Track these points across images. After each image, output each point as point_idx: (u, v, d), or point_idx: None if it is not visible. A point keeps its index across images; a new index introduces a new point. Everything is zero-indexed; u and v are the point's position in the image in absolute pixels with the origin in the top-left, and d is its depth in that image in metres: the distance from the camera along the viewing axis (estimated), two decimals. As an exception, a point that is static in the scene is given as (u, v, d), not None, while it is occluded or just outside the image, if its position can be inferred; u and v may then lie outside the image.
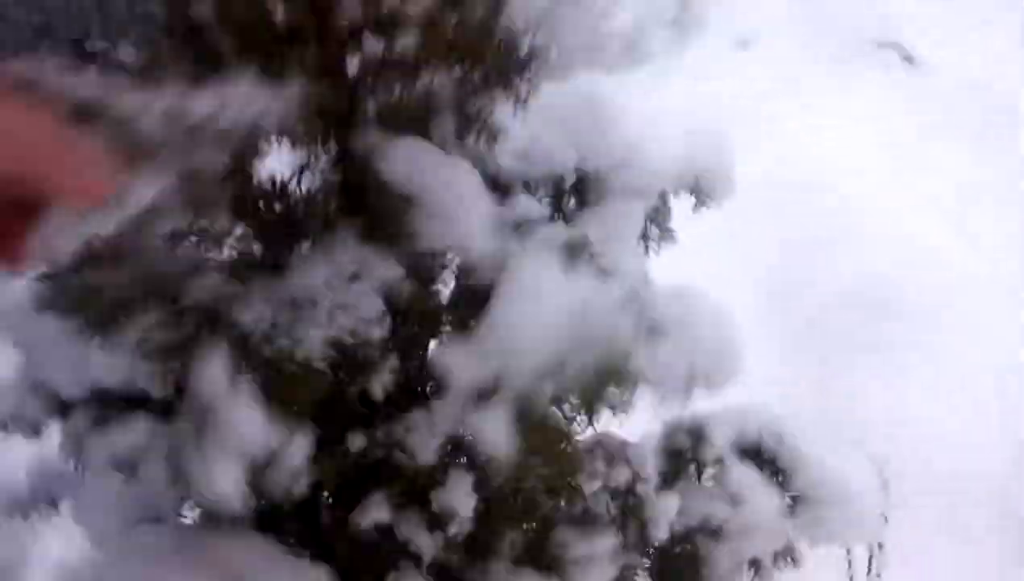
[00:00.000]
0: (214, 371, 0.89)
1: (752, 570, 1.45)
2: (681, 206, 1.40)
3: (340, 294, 0.95)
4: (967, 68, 4.40)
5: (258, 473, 0.89)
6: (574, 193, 1.22)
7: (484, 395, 0.98)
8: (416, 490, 1.16)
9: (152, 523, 1.33)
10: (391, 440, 1.16)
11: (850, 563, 2.65)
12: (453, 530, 1.11)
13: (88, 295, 0.89)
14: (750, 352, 3.06)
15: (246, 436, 0.87)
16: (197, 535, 1.25)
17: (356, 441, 1.18)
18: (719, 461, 1.44)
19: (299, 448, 0.94)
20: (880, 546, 2.62)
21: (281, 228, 1.03)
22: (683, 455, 1.42)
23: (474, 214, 0.96)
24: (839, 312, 3.43)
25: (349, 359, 0.95)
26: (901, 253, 3.59)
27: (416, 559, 1.21)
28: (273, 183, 1.04)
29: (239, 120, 0.77)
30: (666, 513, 1.37)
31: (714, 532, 1.37)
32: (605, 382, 0.95)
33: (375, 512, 1.15)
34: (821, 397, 3.04)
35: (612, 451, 1.30)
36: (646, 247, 1.33)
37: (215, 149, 0.76)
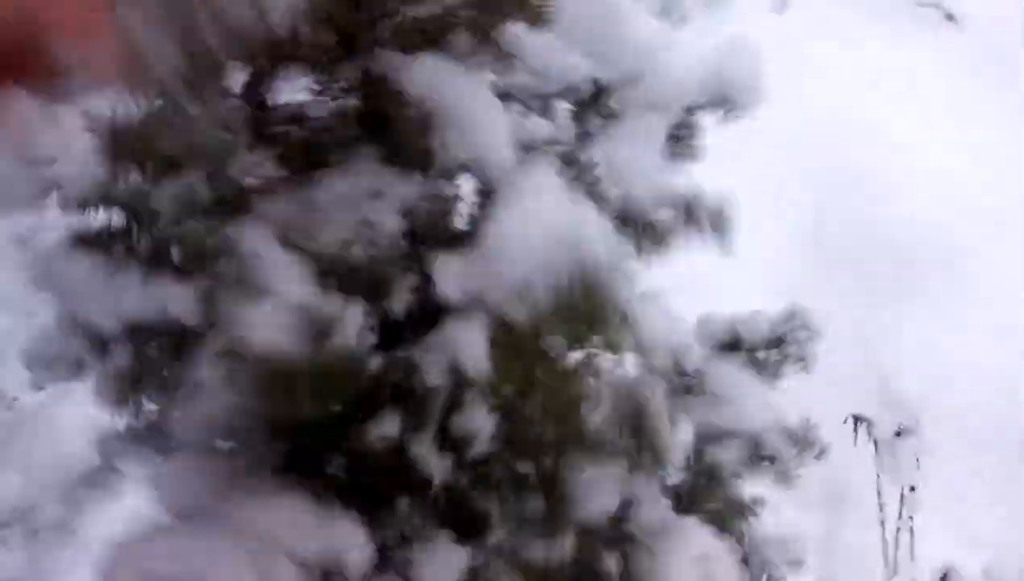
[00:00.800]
0: (255, 235, 0.93)
1: (769, 463, 1.44)
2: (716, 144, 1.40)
3: (361, 210, 0.98)
4: (1007, 23, 4.30)
5: (306, 324, 0.92)
6: (592, 107, 1.22)
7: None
8: (429, 412, 1.20)
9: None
10: (407, 362, 1.19)
11: (881, 506, 2.65)
12: (474, 451, 1.14)
13: (144, 148, 0.93)
14: (782, 285, 3.06)
15: (291, 286, 0.90)
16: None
17: (374, 362, 1.22)
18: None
19: (345, 311, 0.97)
20: (912, 488, 2.62)
21: (300, 152, 1.07)
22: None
23: (492, 129, 0.98)
24: (881, 253, 3.40)
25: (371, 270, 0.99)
26: (936, 195, 3.54)
27: (425, 483, 1.24)
28: (290, 108, 1.07)
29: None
30: (681, 442, 1.35)
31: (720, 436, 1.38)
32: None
33: (387, 428, 1.18)
34: (854, 334, 3.02)
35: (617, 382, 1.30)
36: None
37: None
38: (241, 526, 1.21)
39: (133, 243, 1.45)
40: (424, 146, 1.08)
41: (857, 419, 2.67)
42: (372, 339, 1.24)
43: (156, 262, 1.47)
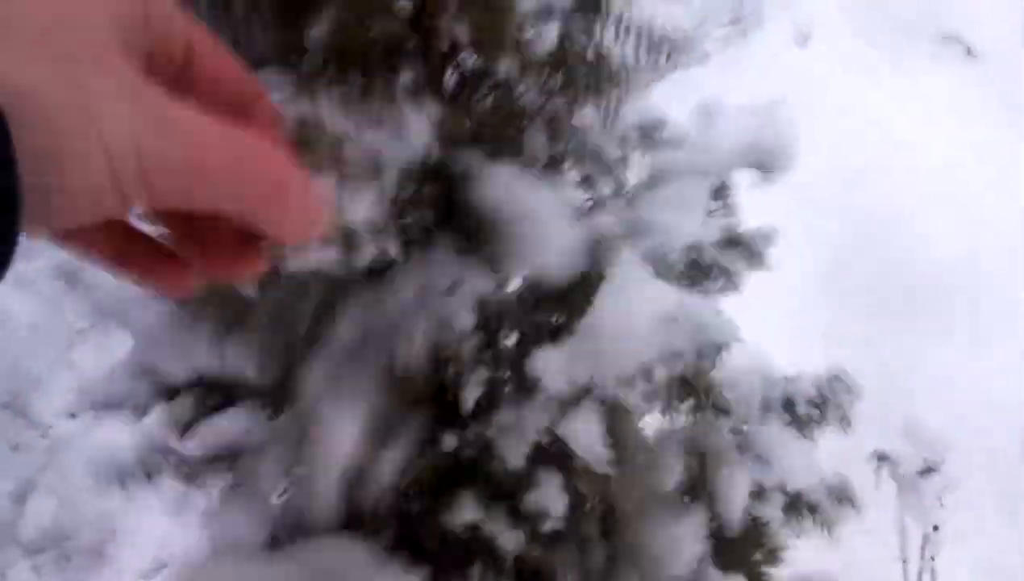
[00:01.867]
0: (317, 376, 0.96)
1: (809, 512, 1.48)
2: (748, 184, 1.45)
3: (437, 306, 1.02)
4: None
5: (352, 481, 0.96)
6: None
7: (574, 399, 1.03)
8: (505, 491, 1.23)
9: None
10: (481, 441, 1.21)
11: (903, 547, 2.68)
12: (545, 527, 1.16)
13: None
14: (809, 322, 3.09)
15: (342, 447, 0.94)
16: (291, 536, 1.33)
17: (449, 441, 1.25)
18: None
19: (390, 462, 1.01)
20: (935, 528, 2.64)
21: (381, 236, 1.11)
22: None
23: (559, 239, 1.03)
24: (905, 288, 3.44)
25: (443, 367, 1.01)
26: (958, 228, 3.58)
27: (499, 556, 1.26)
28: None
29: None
30: (738, 494, 1.39)
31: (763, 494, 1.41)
32: (691, 390, 1.00)
33: (466, 511, 1.21)
34: (881, 370, 3.06)
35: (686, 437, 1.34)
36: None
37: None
38: (306, 559, 1.24)
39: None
40: (495, 248, 1.11)
41: (880, 457, 2.69)
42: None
43: (228, 324, 1.52)
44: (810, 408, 1.45)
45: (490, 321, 1.09)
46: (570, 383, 1.01)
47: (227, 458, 1.39)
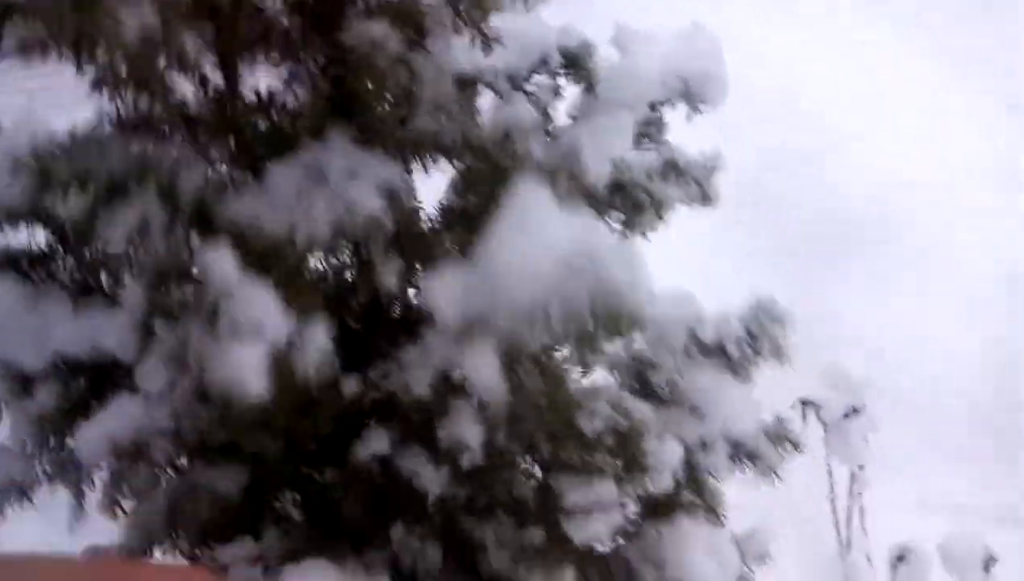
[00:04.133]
0: (222, 262, 0.82)
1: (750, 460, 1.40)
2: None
3: (338, 189, 0.89)
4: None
5: (280, 358, 0.82)
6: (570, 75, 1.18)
7: (471, 331, 0.92)
8: (417, 425, 1.11)
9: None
10: (385, 380, 1.10)
11: (832, 486, 2.68)
12: (465, 461, 1.06)
13: (86, 175, 0.81)
14: (731, 266, 3.04)
15: (263, 319, 0.81)
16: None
17: (350, 385, 1.13)
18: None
19: (318, 333, 0.87)
20: (861, 467, 2.65)
21: (267, 143, 0.97)
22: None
23: (468, 111, 0.93)
24: (820, 227, 3.44)
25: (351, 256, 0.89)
26: (879, 169, 3.61)
27: (421, 501, 1.15)
28: (259, 97, 0.97)
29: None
30: (669, 462, 1.29)
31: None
32: (599, 329, 0.89)
33: (375, 444, 1.09)
34: (801, 312, 3.03)
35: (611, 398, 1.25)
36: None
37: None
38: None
39: (59, 268, 1.31)
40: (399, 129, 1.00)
41: (805, 403, 2.68)
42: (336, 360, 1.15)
43: (85, 289, 1.33)
44: (742, 347, 1.36)
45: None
46: (465, 313, 0.90)
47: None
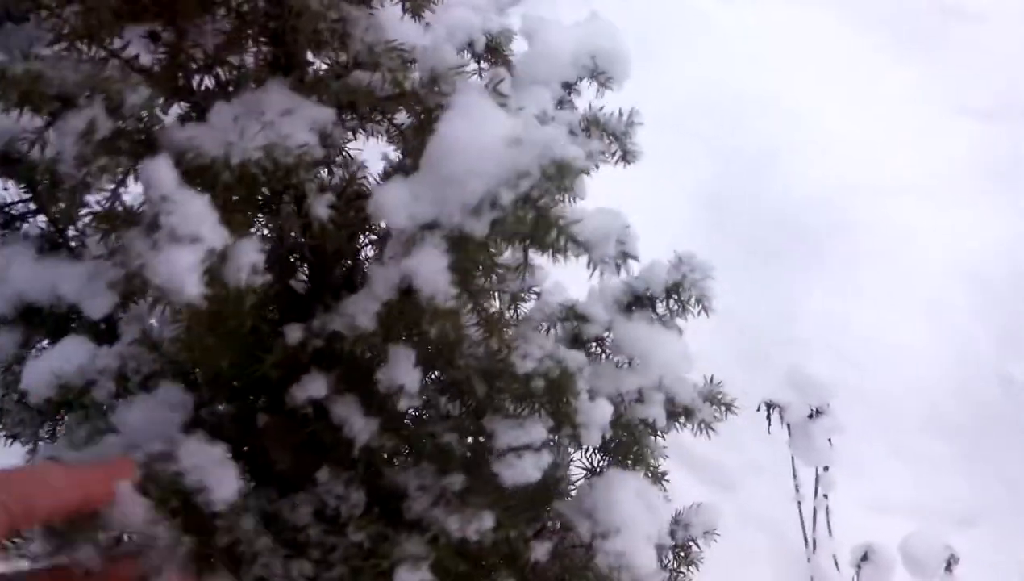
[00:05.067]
0: (161, 171, 0.88)
1: (684, 418, 1.45)
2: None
3: (273, 123, 0.95)
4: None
5: (214, 264, 0.87)
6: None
7: (420, 236, 0.97)
8: (357, 372, 1.16)
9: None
10: (328, 328, 1.15)
11: (797, 487, 2.70)
12: (400, 406, 1.10)
13: (34, 82, 0.87)
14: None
15: (200, 229, 0.86)
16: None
17: (293, 334, 1.17)
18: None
19: (251, 248, 0.93)
20: (826, 468, 2.68)
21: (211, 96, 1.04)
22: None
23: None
24: (780, 228, 3.47)
25: (282, 172, 0.95)
26: (840, 166, 3.64)
27: (348, 448, 1.19)
28: (205, 54, 1.04)
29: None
30: (598, 420, 1.33)
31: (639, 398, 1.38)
32: (543, 219, 0.95)
33: (312, 388, 1.13)
34: (764, 313, 3.08)
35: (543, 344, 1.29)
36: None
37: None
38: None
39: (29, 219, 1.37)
40: (334, 82, 1.07)
41: (769, 405, 2.71)
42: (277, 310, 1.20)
43: (52, 243, 1.39)
44: (669, 297, 1.42)
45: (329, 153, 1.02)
46: (414, 218, 0.96)
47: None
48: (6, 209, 1.34)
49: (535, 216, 0.95)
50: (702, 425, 1.45)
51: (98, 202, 1.05)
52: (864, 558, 2.38)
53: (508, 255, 1.12)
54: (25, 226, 1.38)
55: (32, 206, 1.37)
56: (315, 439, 1.18)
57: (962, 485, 2.81)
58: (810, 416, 2.69)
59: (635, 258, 1.16)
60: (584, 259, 1.08)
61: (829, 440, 2.70)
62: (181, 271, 0.87)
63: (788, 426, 2.71)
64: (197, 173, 0.94)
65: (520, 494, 1.23)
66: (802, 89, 3.92)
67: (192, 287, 0.87)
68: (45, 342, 1.34)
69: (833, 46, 4.19)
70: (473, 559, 1.17)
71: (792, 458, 2.67)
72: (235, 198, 0.97)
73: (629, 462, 1.41)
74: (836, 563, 2.68)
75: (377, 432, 1.14)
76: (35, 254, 1.31)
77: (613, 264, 1.12)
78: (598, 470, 1.43)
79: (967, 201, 3.57)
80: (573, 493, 1.37)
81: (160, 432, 1.13)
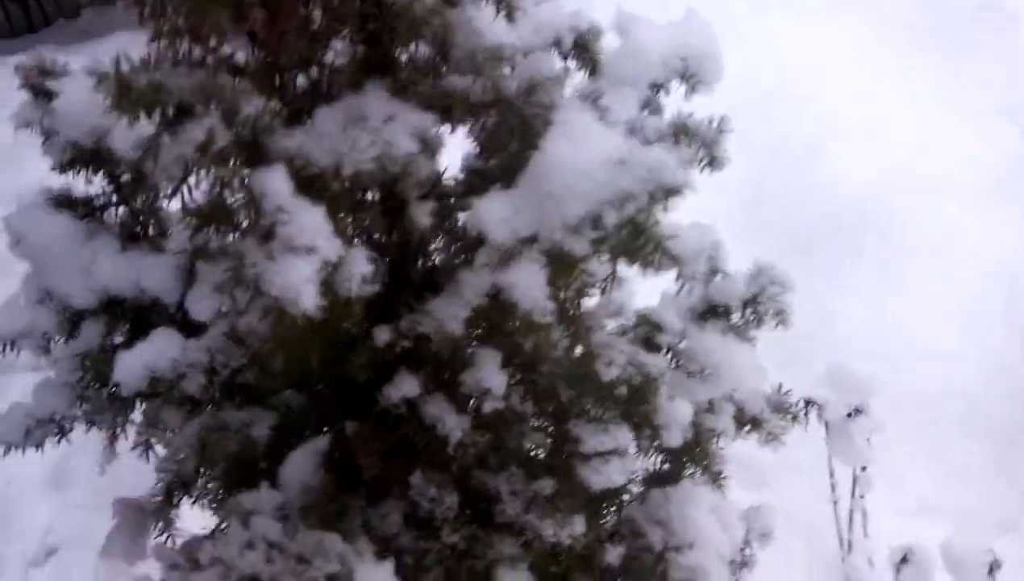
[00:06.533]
0: (276, 181, 0.89)
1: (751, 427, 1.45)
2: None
3: (377, 130, 0.96)
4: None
5: (329, 274, 0.89)
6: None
7: (517, 250, 0.98)
8: (444, 373, 1.18)
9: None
10: (416, 330, 1.16)
11: (833, 487, 2.70)
12: (487, 407, 1.12)
13: (156, 92, 0.88)
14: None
15: (315, 236, 0.87)
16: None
17: (382, 335, 1.19)
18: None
19: (361, 258, 0.94)
20: (863, 469, 2.67)
21: (309, 96, 1.05)
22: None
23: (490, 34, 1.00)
24: (819, 226, 3.42)
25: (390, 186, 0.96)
26: (878, 165, 3.60)
27: (441, 449, 1.21)
28: (300, 55, 1.05)
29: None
30: (679, 420, 1.34)
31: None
32: (640, 233, 0.95)
33: (405, 387, 1.15)
34: (802, 312, 3.02)
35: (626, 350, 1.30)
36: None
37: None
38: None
39: (111, 211, 1.39)
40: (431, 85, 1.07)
41: (807, 402, 2.71)
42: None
43: (132, 234, 1.41)
44: (745, 308, 1.42)
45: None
46: (514, 233, 0.97)
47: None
48: (91, 202, 1.36)
49: (637, 235, 0.96)
50: (769, 436, 1.46)
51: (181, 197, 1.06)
52: (904, 560, 2.37)
53: (595, 265, 1.13)
54: (107, 218, 1.39)
55: (115, 198, 1.38)
56: (404, 444, 1.20)
57: (1001, 488, 2.80)
58: (849, 415, 2.68)
59: (724, 273, 1.16)
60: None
61: (868, 440, 2.69)
62: (298, 282, 0.88)
63: (826, 424, 2.71)
64: (307, 182, 0.96)
65: (594, 498, 1.25)
66: (838, 90, 3.86)
67: (309, 299, 0.88)
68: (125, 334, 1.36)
69: (868, 47, 4.15)
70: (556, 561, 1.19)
71: (829, 457, 2.66)
72: (341, 206, 0.98)
73: (692, 467, 1.42)
74: (872, 565, 2.68)
75: (469, 430, 1.16)
76: (119, 247, 1.33)
77: (703, 279, 1.12)
78: (660, 474, 1.44)
79: (1008, 199, 3.53)
80: (640, 500, 1.38)
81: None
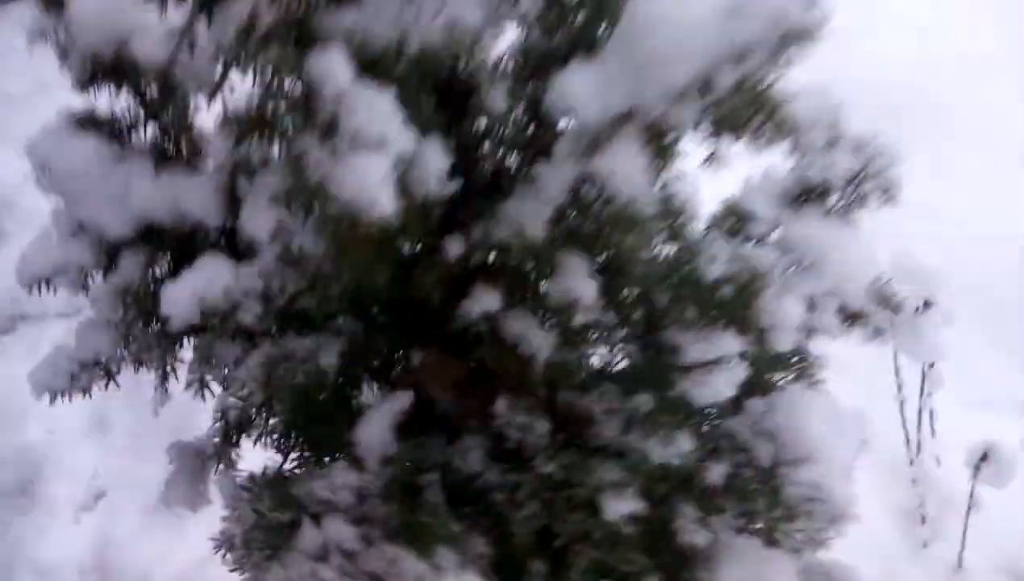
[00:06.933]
0: (334, 65, 0.76)
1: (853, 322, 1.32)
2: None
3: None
4: None
5: (404, 171, 0.76)
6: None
7: (612, 128, 0.84)
8: (524, 284, 1.06)
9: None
10: (492, 238, 1.04)
11: (900, 386, 2.60)
12: (578, 319, 1.00)
13: None
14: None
15: (386, 126, 0.75)
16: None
17: (454, 247, 1.07)
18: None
19: (436, 148, 0.81)
20: (931, 365, 2.56)
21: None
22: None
23: None
24: (865, 110, 3.29)
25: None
26: (921, 45, 3.45)
27: (525, 371, 1.10)
28: None
29: None
30: (787, 321, 1.19)
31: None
32: (761, 103, 0.82)
33: (485, 302, 1.03)
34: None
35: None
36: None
37: None
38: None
39: (140, 131, 1.26)
40: None
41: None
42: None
43: (165, 154, 1.28)
44: (846, 187, 1.26)
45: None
46: (607, 109, 0.82)
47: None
48: (116, 122, 1.22)
49: (752, 99, 0.82)
50: (876, 332, 1.33)
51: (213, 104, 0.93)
52: (983, 458, 2.28)
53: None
54: (135, 138, 1.27)
55: (142, 115, 1.25)
56: (480, 370, 1.09)
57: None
58: (917, 308, 2.55)
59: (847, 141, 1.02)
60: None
61: (937, 334, 2.58)
62: (373, 182, 0.76)
63: (892, 318, 2.59)
64: (368, 66, 0.82)
65: (692, 413, 1.14)
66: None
67: (386, 201, 0.76)
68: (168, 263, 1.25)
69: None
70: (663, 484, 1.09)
71: (895, 354, 2.55)
72: (410, 92, 0.84)
73: (791, 372, 1.31)
74: (939, 464, 2.60)
75: (558, 346, 1.05)
76: (152, 170, 1.20)
77: (820, 150, 0.98)
78: (759, 382, 1.32)
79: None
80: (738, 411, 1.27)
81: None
